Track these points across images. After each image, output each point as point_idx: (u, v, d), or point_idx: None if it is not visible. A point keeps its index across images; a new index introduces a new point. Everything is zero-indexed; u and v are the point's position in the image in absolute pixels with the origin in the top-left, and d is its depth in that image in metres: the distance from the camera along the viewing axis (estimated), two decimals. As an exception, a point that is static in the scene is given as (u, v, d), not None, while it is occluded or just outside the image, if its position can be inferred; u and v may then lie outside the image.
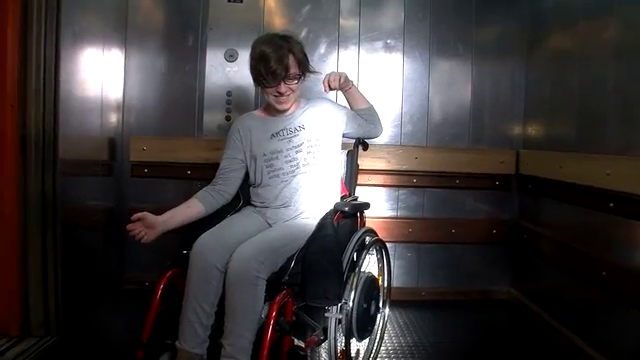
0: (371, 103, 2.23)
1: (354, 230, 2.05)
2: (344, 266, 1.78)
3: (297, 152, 2.00)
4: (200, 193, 1.99)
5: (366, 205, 2.12)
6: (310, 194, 1.99)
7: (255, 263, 1.60)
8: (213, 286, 1.64)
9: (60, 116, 2.19)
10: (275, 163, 2.00)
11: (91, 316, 2.54)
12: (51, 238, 2.25)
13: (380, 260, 2.23)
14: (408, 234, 3.03)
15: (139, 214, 1.76)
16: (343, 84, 2.15)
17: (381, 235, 2.18)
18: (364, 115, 2.20)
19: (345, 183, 2.19)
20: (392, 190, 3.04)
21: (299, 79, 1.99)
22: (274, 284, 1.64)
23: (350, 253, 1.84)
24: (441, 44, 3.01)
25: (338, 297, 1.66)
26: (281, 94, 1.95)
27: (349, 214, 1.97)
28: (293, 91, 1.98)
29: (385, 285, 2.26)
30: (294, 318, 1.68)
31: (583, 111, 2.43)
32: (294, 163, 2.00)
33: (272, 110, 2.07)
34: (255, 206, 2.05)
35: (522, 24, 3.02)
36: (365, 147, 2.24)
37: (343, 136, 2.17)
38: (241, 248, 1.67)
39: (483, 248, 3.11)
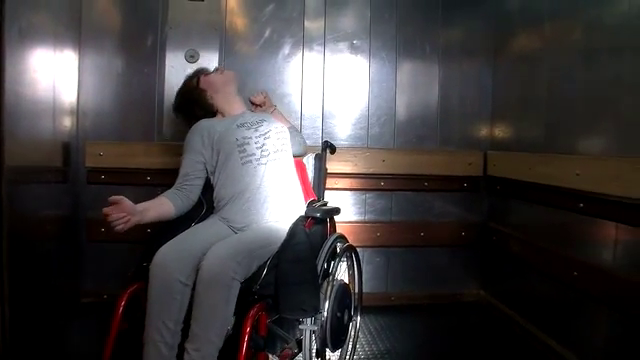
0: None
1: (325, 236, 1.97)
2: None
3: (265, 139, 2.01)
4: (169, 194, 1.93)
5: (337, 210, 2.05)
6: (280, 182, 1.95)
7: (232, 263, 1.51)
8: (177, 301, 1.53)
9: (5, 119, 2.02)
10: (247, 148, 1.96)
11: (43, 335, 2.37)
12: (-5, 251, 2.07)
13: (351, 267, 2.16)
14: (376, 238, 2.97)
15: (116, 197, 1.66)
16: (267, 101, 2.32)
17: (350, 240, 2.12)
18: (291, 133, 2.26)
19: (313, 187, 2.12)
20: (359, 194, 2.98)
21: None
22: (244, 294, 1.54)
23: (323, 261, 1.76)
24: (408, 45, 2.97)
25: (315, 308, 1.58)
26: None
27: (320, 220, 1.89)
28: None
29: (356, 291, 2.19)
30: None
31: (551, 112, 2.43)
32: (265, 149, 1.98)
33: (225, 113, 2.15)
34: (220, 212, 1.95)
35: (488, 25, 3.02)
36: (333, 150, 2.18)
37: None
38: (216, 248, 1.58)
39: (452, 250, 3.09)
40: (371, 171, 2.91)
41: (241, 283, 1.53)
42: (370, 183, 2.95)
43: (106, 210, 1.64)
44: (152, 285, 1.54)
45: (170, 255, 1.58)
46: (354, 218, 2.96)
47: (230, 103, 2.15)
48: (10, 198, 2.07)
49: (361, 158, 2.89)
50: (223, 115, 2.15)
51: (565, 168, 2.21)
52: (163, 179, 2.71)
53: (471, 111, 3.06)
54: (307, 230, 1.73)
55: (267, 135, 2.02)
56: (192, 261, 1.56)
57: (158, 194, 2.71)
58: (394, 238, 3.00)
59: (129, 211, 1.67)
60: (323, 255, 1.78)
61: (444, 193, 3.04)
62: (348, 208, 2.96)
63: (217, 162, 1.98)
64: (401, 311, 2.94)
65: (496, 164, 2.92)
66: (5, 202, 2.06)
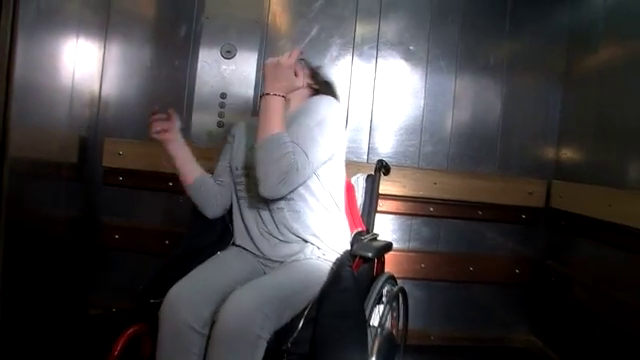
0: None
1: (371, 275, 1.64)
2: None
3: None
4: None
5: (389, 247, 1.72)
6: (300, 216, 1.53)
7: (258, 315, 1.18)
8: (194, 355, 1.21)
9: (12, 106, 1.77)
10: (244, 181, 1.61)
11: (44, 349, 2.10)
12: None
13: (396, 308, 1.83)
14: (419, 270, 2.64)
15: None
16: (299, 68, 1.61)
17: (388, 270, 1.84)
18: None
19: (362, 215, 1.79)
20: (405, 219, 2.65)
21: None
22: (271, 353, 1.21)
23: (371, 310, 1.43)
24: (470, 55, 2.65)
25: None
26: None
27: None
28: None
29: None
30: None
31: (641, 142, 2.08)
32: None
33: None
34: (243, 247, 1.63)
35: (560, 37, 2.67)
36: (387, 171, 1.85)
37: None
38: (238, 295, 1.24)
39: (503, 289, 2.74)
40: (420, 194, 2.58)
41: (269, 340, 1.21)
42: (418, 207, 2.62)
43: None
44: (161, 333, 1.23)
45: (183, 295, 1.26)
46: (397, 246, 2.61)
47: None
48: (13, 193, 1.82)
49: (410, 179, 2.56)
50: None
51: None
52: (187, 186, 2.47)
53: (535, 134, 2.72)
54: (355, 272, 1.39)
55: None
56: (209, 304, 1.25)
57: (180, 201, 2.51)
58: (439, 271, 2.66)
59: (170, 127, 1.64)
60: (370, 303, 1.45)
61: (498, 224, 2.70)
62: (391, 234, 2.64)
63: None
64: (441, 353, 2.64)
65: (563, 196, 2.56)
66: (5, 197, 1.80)
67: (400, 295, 1.76)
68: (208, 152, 2.44)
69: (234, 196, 1.66)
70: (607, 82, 2.35)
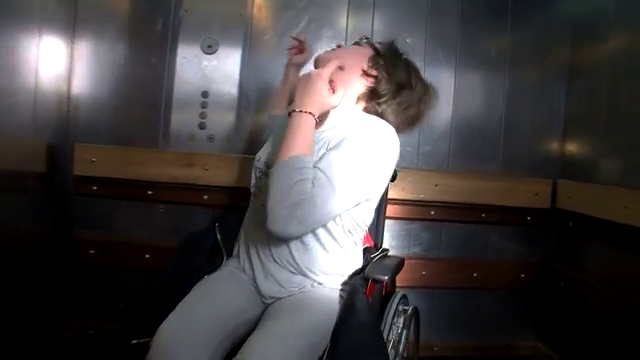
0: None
1: (381, 293, 1.46)
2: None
3: None
4: None
5: (402, 264, 1.53)
6: (302, 259, 1.32)
7: None
8: None
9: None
10: (260, 178, 1.37)
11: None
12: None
13: (407, 326, 1.65)
14: (420, 278, 2.47)
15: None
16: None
17: None
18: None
19: (370, 230, 1.60)
20: (403, 223, 2.48)
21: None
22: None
23: (387, 335, 1.26)
24: (470, 47, 2.47)
25: None
26: None
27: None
28: None
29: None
30: None
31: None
32: None
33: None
34: (239, 260, 1.42)
35: (566, 27, 2.51)
36: (394, 177, 1.67)
37: None
38: (260, 349, 1.03)
39: (508, 295, 2.59)
40: (420, 197, 2.40)
41: None
42: (417, 211, 2.44)
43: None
44: None
45: (176, 335, 1.05)
46: (395, 253, 2.42)
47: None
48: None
49: (409, 181, 2.38)
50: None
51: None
52: (168, 194, 2.28)
53: (540, 130, 2.56)
54: (369, 299, 1.20)
55: None
56: (207, 344, 1.05)
57: (161, 211, 2.32)
58: (441, 278, 2.50)
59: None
60: (387, 328, 1.27)
61: (503, 227, 2.54)
62: (389, 240, 2.47)
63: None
64: (444, 364, 2.48)
65: (571, 196, 2.41)
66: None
67: (416, 316, 1.58)
68: (190, 158, 2.26)
69: (251, 193, 1.43)
70: (619, 74, 2.20)
